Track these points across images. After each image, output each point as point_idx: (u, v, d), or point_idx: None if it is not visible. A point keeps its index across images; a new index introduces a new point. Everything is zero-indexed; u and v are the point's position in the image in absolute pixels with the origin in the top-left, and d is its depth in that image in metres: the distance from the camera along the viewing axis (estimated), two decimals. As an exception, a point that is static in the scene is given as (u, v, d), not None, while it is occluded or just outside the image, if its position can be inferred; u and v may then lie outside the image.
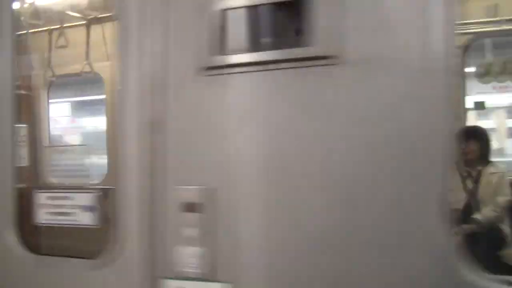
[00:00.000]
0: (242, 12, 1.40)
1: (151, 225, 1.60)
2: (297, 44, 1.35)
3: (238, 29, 1.40)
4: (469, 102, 4.41)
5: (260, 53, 1.38)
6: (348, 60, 1.34)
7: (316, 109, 1.37)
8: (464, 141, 4.12)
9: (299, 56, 1.35)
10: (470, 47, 4.45)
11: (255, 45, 1.39)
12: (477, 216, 3.84)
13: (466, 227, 3.80)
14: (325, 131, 1.37)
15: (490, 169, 4.07)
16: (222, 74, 1.45)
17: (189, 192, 1.52)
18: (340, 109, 1.35)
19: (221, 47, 1.42)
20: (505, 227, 3.85)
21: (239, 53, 1.40)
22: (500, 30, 4.18)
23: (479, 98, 4.37)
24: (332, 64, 1.34)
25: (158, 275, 1.59)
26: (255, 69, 1.40)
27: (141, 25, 1.58)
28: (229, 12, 1.41)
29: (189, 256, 1.54)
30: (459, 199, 4.06)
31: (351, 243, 1.35)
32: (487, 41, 4.48)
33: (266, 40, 1.38)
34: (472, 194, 4.02)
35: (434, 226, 1.27)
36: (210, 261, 1.51)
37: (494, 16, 4.22)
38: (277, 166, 1.43)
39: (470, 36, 4.40)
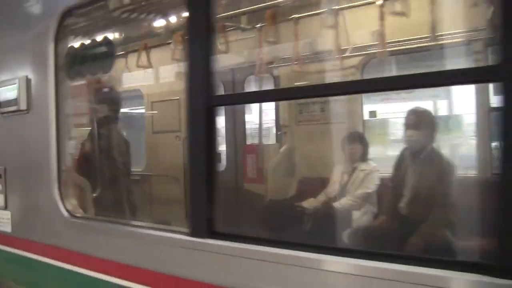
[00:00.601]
0: None
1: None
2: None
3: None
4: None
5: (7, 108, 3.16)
6: (31, 111, 3.02)
7: (15, 135, 3.10)
8: (349, 143, 5.09)
9: (15, 109, 3.08)
10: (365, 66, 5.32)
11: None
12: (336, 204, 4.82)
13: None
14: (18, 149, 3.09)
15: (362, 167, 4.96)
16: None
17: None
18: (19, 136, 3.05)
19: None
20: (357, 213, 4.74)
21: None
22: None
23: (372, 108, 5.23)
24: (26, 113, 3.04)
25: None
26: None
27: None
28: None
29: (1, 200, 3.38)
30: (333, 190, 5.06)
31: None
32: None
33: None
34: (343, 187, 4.98)
35: (50, 194, 2.87)
36: (5, 201, 3.32)
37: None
38: (23, 161, 3.19)
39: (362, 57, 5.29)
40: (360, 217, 4.77)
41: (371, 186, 4.82)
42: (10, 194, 3.30)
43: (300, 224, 5.07)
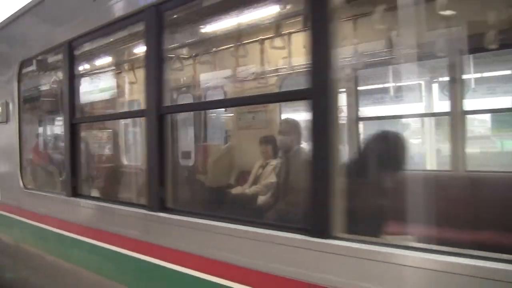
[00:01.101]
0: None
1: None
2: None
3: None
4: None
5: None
6: (8, 122, 4.82)
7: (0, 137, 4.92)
8: (263, 144, 6.59)
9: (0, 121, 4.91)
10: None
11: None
12: (246, 190, 6.32)
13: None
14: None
15: (272, 162, 6.43)
16: None
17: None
18: (2, 138, 4.86)
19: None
20: (262, 198, 6.20)
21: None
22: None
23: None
24: (5, 123, 4.84)
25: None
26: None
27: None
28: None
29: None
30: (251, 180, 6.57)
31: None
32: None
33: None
34: (256, 178, 6.48)
35: (16, 173, 4.65)
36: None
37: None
38: (5, 154, 5.00)
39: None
40: (265, 200, 6.27)
41: (274, 177, 6.30)
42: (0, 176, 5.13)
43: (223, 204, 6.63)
